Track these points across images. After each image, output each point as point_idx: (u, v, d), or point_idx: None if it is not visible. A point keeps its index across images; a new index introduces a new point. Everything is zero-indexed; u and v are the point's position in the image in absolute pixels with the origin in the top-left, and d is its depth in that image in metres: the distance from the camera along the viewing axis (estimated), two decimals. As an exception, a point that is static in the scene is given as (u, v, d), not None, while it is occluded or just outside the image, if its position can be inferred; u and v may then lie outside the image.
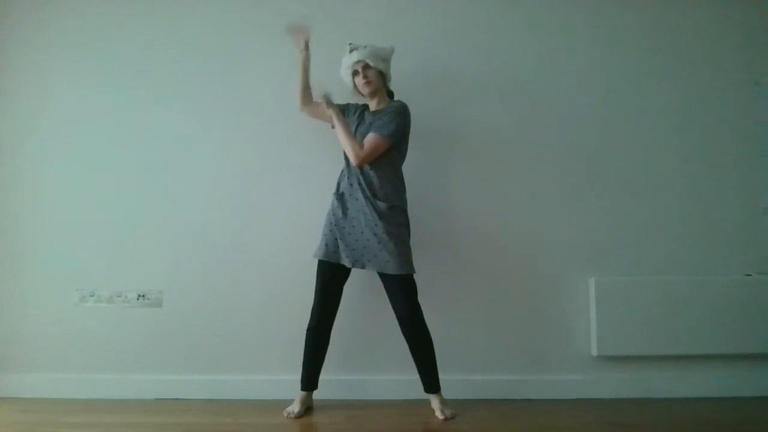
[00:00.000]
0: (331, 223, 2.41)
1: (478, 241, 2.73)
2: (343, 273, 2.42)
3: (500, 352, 2.69)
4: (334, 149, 2.54)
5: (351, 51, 2.45)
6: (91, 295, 2.72)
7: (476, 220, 2.75)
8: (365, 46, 2.44)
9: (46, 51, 2.84)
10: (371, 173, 2.38)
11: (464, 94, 2.80)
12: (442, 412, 2.31)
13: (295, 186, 2.75)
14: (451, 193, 2.77)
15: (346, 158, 2.45)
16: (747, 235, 2.76)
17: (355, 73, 2.47)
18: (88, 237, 2.74)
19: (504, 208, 2.75)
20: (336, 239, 2.38)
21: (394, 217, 2.36)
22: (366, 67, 2.43)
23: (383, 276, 2.35)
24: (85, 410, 2.45)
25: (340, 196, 2.44)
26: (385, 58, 2.48)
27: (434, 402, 2.36)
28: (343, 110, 2.54)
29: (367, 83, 2.44)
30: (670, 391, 2.64)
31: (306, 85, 2.59)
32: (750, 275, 2.71)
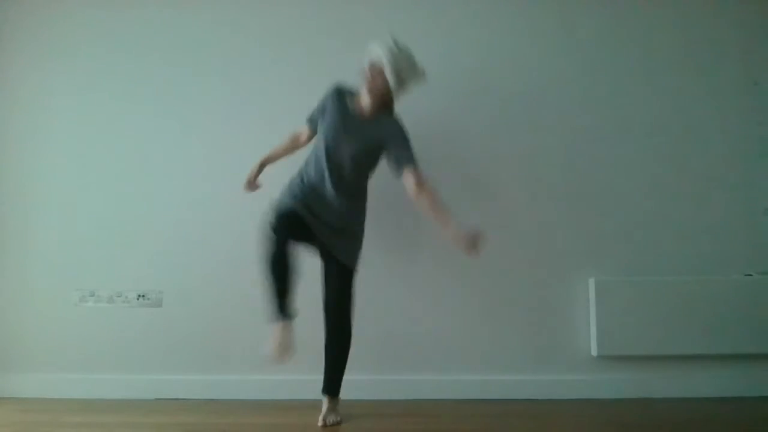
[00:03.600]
0: (302, 190, 2.27)
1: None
2: (300, 235, 2.25)
3: (500, 352, 2.69)
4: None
5: (389, 50, 2.23)
6: (91, 295, 2.72)
7: (476, 220, 2.74)
8: (403, 55, 2.24)
9: (47, 52, 2.84)
10: (353, 182, 2.31)
11: (463, 95, 2.80)
12: (323, 419, 2.22)
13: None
14: (451, 194, 2.76)
15: (325, 159, 2.29)
16: (747, 235, 2.76)
17: (371, 69, 2.26)
18: (88, 237, 2.74)
19: (504, 208, 2.75)
20: (307, 204, 2.24)
21: (361, 217, 2.37)
22: (381, 74, 2.25)
23: (334, 264, 2.28)
24: (85, 410, 2.45)
25: (311, 185, 2.29)
26: (405, 80, 2.27)
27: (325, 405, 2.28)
28: (324, 107, 2.38)
29: (371, 85, 2.26)
30: (670, 391, 2.64)
31: (282, 149, 2.54)
32: (750, 275, 2.71)
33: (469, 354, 2.66)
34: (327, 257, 2.31)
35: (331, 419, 2.23)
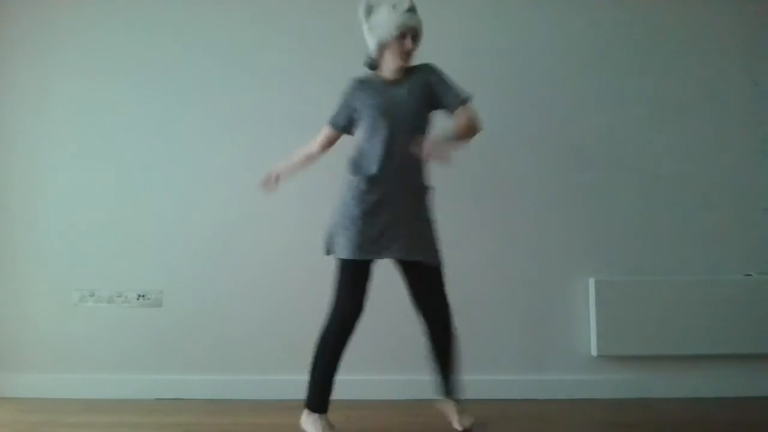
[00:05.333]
0: (354, 215, 2.06)
1: (478, 240, 2.73)
2: (371, 268, 2.11)
3: (500, 352, 2.69)
4: (338, 149, 2.53)
5: (409, 11, 2.12)
6: (91, 295, 2.72)
7: (475, 219, 2.75)
8: (417, 14, 2.14)
9: (47, 51, 2.84)
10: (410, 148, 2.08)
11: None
12: (460, 422, 2.15)
13: (297, 186, 2.75)
14: (450, 194, 2.76)
15: (375, 133, 2.11)
16: (747, 235, 2.76)
17: (401, 36, 2.11)
18: (88, 237, 2.74)
19: (504, 208, 2.75)
20: (366, 231, 2.05)
21: (429, 193, 2.19)
22: (415, 37, 2.14)
23: (420, 268, 2.11)
24: (85, 410, 2.45)
25: (370, 179, 2.09)
26: (420, 27, 2.18)
27: (450, 409, 2.20)
28: (351, 102, 2.21)
29: (408, 55, 2.13)
30: (670, 391, 2.64)
31: (300, 159, 2.37)
32: (750, 275, 2.71)
33: (469, 354, 2.65)
34: (406, 265, 2.15)
35: (468, 421, 2.15)
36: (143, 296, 2.72)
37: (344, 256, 2.05)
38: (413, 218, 2.11)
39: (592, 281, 2.67)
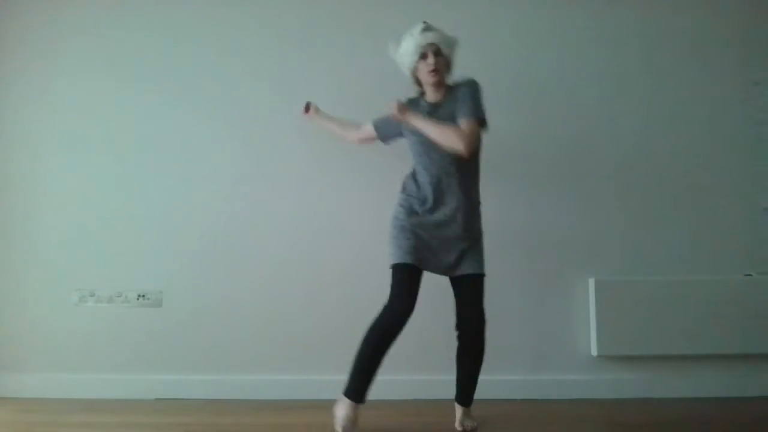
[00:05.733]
0: (411, 225, 2.15)
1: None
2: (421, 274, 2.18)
3: (500, 352, 2.68)
4: (339, 149, 2.54)
5: (424, 30, 2.15)
6: (91, 295, 2.72)
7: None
8: (434, 27, 2.17)
9: (47, 50, 2.84)
10: (463, 166, 2.14)
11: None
12: (462, 423, 2.21)
13: (297, 185, 2.75)
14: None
15: (420, 161, 2.19)
16: (747, 235, 2.76)
17: (422, 57, 2.15)
18: (88, 237, 2.74)
19: (503, 208, 2.75)
20: (420, 243, 2.13)
21: (479, 213, 2.24)
22: (437, 52, 2.14)
23: (464, 278, 2.16)
24: (85, 410, 2.45)
25: (423, 197, 2.17)
26: (453, 46, 2.21)
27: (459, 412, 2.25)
28: (396, 124, 2.26)
29: (435, 71, 2.13)
30: (670, 391, 2.64)
31: (340, 127, 2.54)
32: (750, 275, 2.71)
33: (469, 354, 2.66)
34: (453, 276, 2.19)
35: (470, 424, 2.20)
36: (143, 296, 2.72)
37: (401, 263, 2.13)
38: (464, 239, 2.16)
39: (592, 281, 2.67)
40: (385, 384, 2.62)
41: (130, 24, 2.85)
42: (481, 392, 2.58)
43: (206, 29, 2.84)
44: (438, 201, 2.16)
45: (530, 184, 2.78)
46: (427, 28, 2.17)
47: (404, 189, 2.25)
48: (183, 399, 2.62)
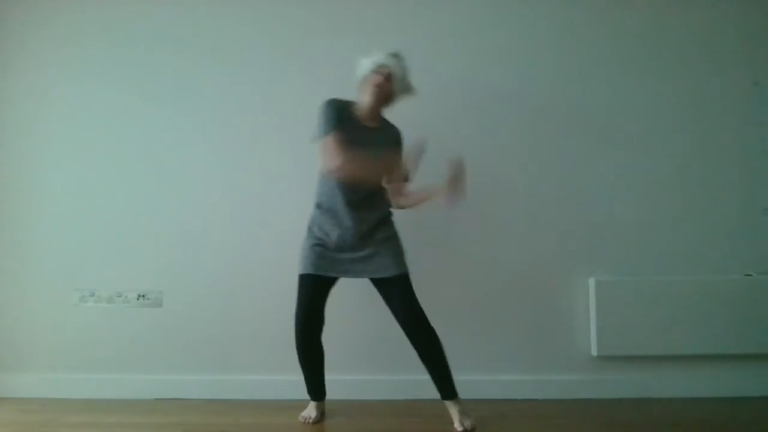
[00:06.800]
0: (315, 236, 2.28)
1: (478, 241, 2.73)
2: (329, 283, 2.31)
3: (500, 352, 2.69)
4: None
5: (393, 56, 2.23)
6: (91, 295, 2.72)
7: (476, 219, 2.74)
8: (404, 63, 2.25)
9: (46, 51, 2.84)
10: (371, 192, 2.27)
11: (463, 95, 2.80)
12: (461, 422, 2.19)
13: (296, 186, 2.75)
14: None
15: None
16: (747, 235, 2.76)
17: (376, 72, 2.22)
18: (88, 237, 2.74)
19: (504, 208, 2.75)
20: (322, 252, 2.26)
21: (388, 220, 2.34)
22: (389, 78, 2.21)
23: (380, 281, 2.24)
24: (85, 410, 2.45)
25: (326, 209, 2.27)
26: (406, 88, 2.28)
27: (452, 410, 2.23)
28: (338, 115, 2.21)
29: (378, 88, 2.19)
30: (670, 391, 2.64)
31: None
32: (750, 275, 2.71)
33: (469, 354, 2.66)
34: (374, 280, 2.26)
35: (469, 423, 2.18)
36: (143, 296, 2.72)
37: (305, 282, 2.32)
38: (371, 244, 2.26)
39: (592, 281, 2.67)
40: (385, 384, 2.63)
41: (129, 30, 2.84)
42: (481, 392, 2.59)
43: (204, 35, 2.84)
44: (340, 230, 2.26)
45: (530, 183, 2.77)
46: (396, 56, 2.24)
47: (314, 213, 2.34)
48: (183, 399, 2.62)
